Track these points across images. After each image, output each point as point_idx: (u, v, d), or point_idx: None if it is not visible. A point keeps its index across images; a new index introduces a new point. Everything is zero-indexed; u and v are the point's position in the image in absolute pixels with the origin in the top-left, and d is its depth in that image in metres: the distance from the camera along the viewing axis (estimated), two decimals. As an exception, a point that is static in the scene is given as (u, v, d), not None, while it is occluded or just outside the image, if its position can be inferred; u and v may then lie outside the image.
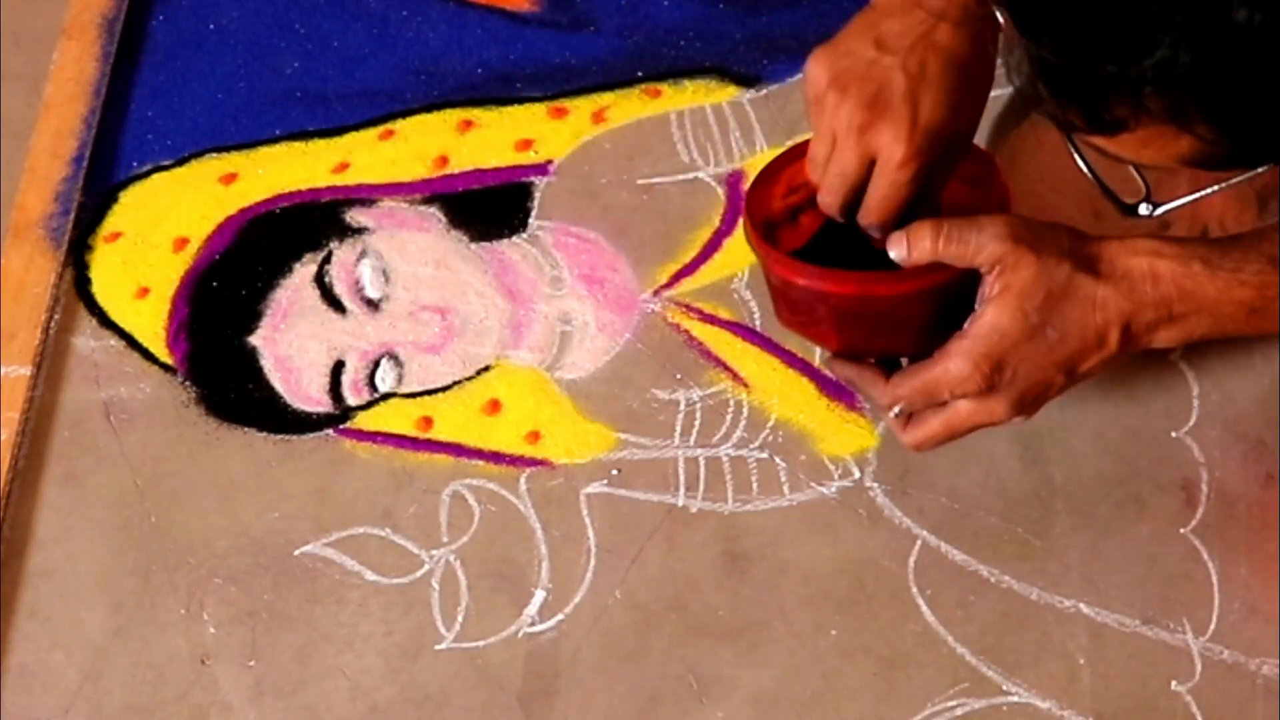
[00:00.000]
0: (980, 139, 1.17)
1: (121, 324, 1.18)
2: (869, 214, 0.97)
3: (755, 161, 1.22)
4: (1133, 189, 0.95)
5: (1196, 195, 0.92)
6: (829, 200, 0.98)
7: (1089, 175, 0.94)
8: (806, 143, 1.01)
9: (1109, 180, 0.95)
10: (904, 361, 1.00)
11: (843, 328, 0.99)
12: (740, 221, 1.00)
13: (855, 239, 1.01)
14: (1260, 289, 0.96)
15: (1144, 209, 0.95)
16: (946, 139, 0.96)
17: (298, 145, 1.25)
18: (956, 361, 0.95)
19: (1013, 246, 0.93)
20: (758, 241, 0.99)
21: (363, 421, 1.14)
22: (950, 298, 0.96)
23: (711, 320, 1.16)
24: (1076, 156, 0.93)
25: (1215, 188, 0.91)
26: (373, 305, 1.18)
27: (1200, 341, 0.99)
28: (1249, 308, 0.97)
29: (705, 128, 1.24)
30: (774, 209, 1.01)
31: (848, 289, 0.96)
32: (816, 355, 1.14)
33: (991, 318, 0.94)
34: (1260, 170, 0.87)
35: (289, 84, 1.28)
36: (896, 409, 0.98)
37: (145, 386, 1.15)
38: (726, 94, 1.26)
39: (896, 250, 0.95)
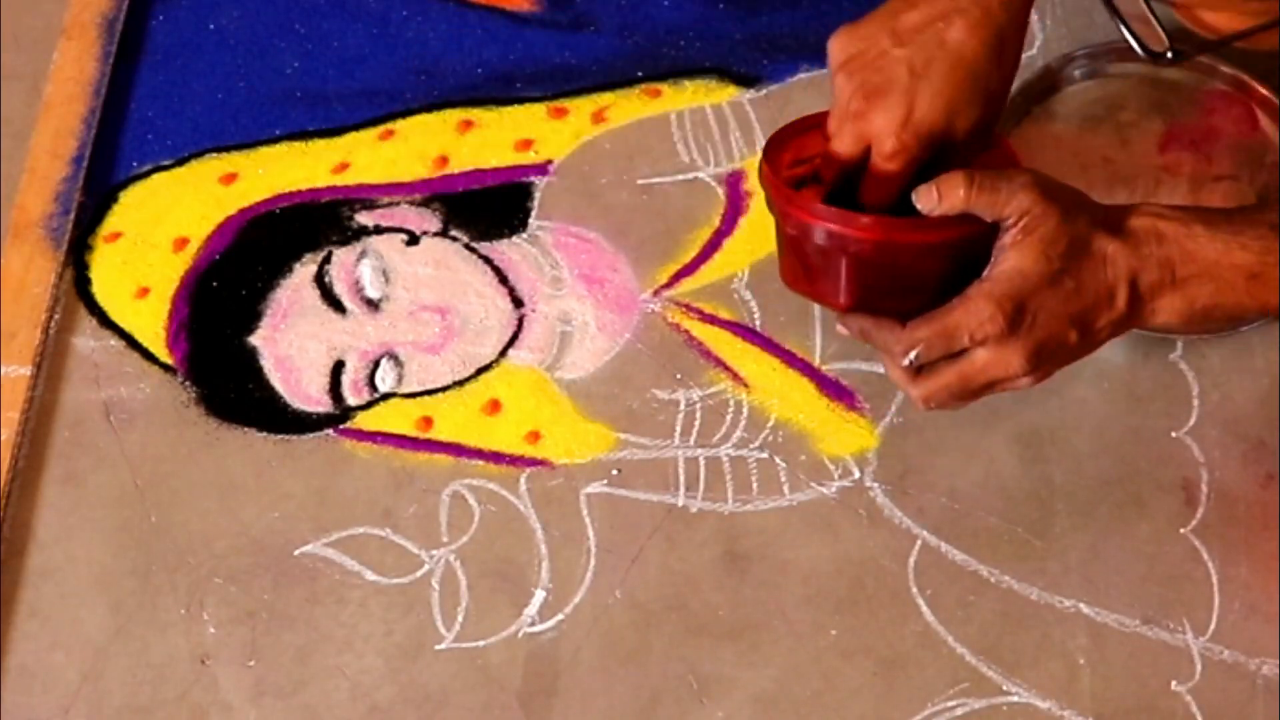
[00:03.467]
0: (980, 138, 1.18)
1: (121, 324, 1.18)
2: (863, 197, 0.99)
3: (755, 162, 1.22)
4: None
5: (1217, 41, 0.90)
6: (828, 175, 1.00)
7: (1114, 19, 0.93)
8: (816, 116, 1.02)
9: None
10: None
11: (857, 281, 0.97)
12: (758, 180, 0.99)
13: (852, 207, 1.01)
14: (1261, 254, 0.96)
15: (1170, 55, 0.93)
16: (938, 137, 0.98)
17: (298, 145, 1.25)
18: (977, 301, 0.94)
19: (1039, 196, 0.94)
20: (776, 187, 0.98)
21: (363, 421, 1.14)
22: (966, 256, 0.95)
23: (711, 320, 1.16)
24: (1105, 4, 0.92)
25: (1232, 36, 0.88)
26: (373, 305, 1.18)
27: (1203, 316, 0.98)
28: (1248, 273, 0.97)
29: (705, 128, 1.24)
30: (780, 177, 1.01)
31: (872, 234, 0.94)
32: (816, 356, 1.14)
33: (1015, 260, 0.94)
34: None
35: (289, 84, 1.28)
36: (912, 355, 0.96)
37: (145, 386, 1.15)
38: (726, 94, 1.26)
39: (926, 201, 0.95)
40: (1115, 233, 0.95)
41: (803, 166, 1.01)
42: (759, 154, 1.22)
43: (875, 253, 0.95)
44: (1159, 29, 0.93)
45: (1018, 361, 0.95)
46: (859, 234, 0.95)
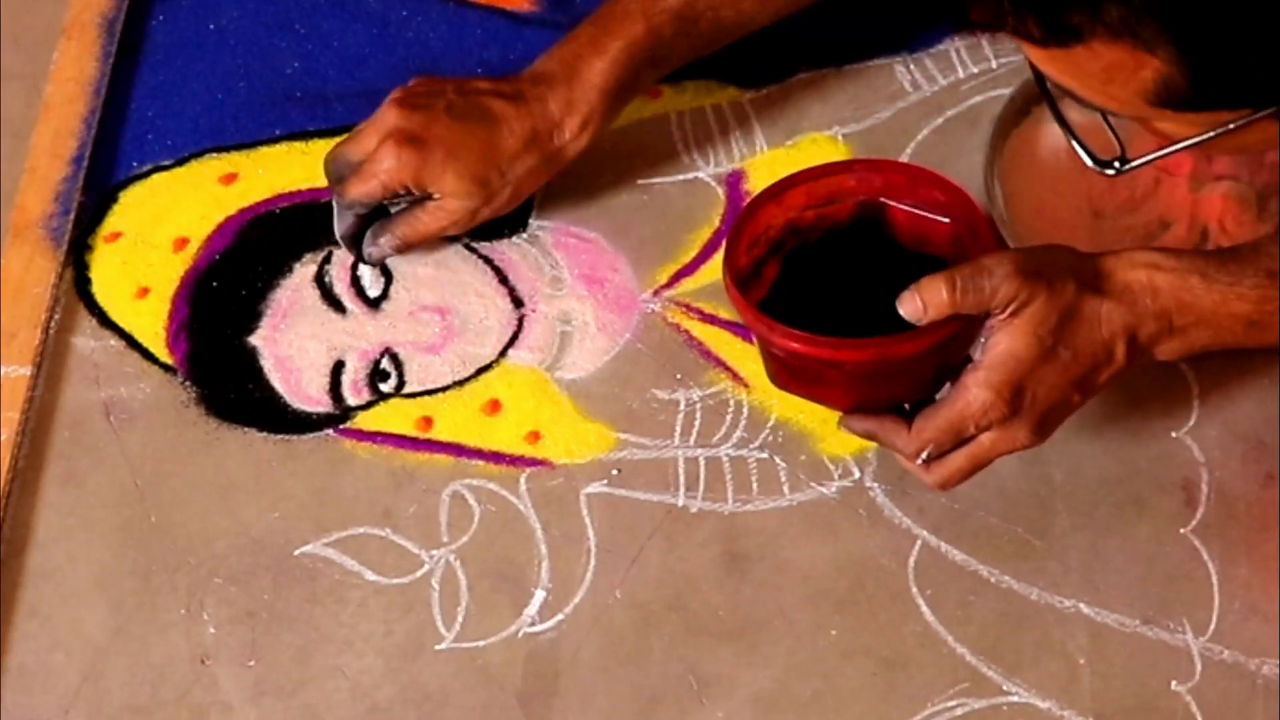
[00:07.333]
0: (980, 139, 1.18)
1: (121, 324, 1.17)
2: (396, 235, 1.16)
3: (755, 162, 1.22)
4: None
5: (1166, 151, 0.93)
6: (360, 192, 1.13)
7: (1065, 132, 0.95)
8: (757, 198, 1.01)
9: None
10: (906, 406, 1.00)
11: (852, 389, 0.98)
12: (728, 297, 0.99)
13: (813, 277, 1.01)
14: (1258, 303, 0.97)
15: (1116, 165, 0.95)
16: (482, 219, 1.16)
17: (298, 145, 1.25)
18: (976, 392, 0.95)
19: (1023, 283, 0.94)
20: (755, 316, 0.97)
21: (363, 421, 1.13)
22: (959, 342, 0.96)
23: (711, 320, 1.16)
24: (1053, 115, 0.94)
25: (1184, 144, 0.91)
26: (373, 305, 1.18)
27: (1202, 354, 1.00)
28: (1246, 321, 0.98)
29: (705, 128, 1.24)
30: (741, 265, 1.00)
31: (866, 355, 0.95)
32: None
33: (1006, 344, 0.94)
34: (1226, 128, 0.87)
35: (289, 84, 1.28)
36: (923, 455, 0.98)
37: (145, 386, 1.15)
38: (726, 94, 1.26)
39: (911, 311, 0.93)
40: (1107, 291, 0.96)
41: (758, 247, 1.01)
42: (759, 154, 1.23)
43: (871, 368, 0.96)
44: (1112, 135, 0.94)
45: (1024, 435, 0.97)
46: (851, 356, 0.95)
